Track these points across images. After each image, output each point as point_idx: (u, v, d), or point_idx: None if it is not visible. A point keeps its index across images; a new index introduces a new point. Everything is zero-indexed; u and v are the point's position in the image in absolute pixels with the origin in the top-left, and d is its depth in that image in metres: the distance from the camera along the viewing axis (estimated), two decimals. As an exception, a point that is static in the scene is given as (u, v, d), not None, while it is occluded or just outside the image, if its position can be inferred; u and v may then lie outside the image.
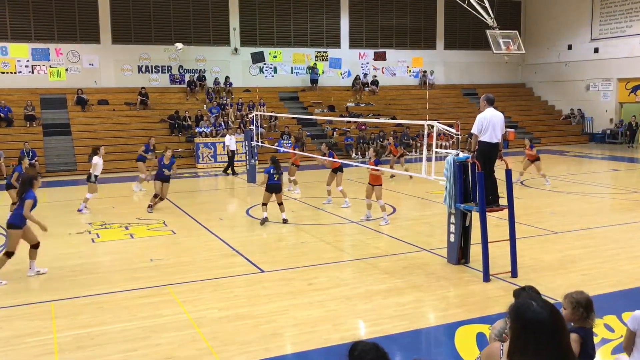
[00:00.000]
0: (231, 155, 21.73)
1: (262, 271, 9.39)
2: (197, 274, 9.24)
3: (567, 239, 11.16)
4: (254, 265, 9.73)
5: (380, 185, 12.74)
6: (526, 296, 4.35)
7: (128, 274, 9.41)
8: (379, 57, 32.25)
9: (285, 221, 12.87)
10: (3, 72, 25.44)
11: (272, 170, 12.90)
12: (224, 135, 24.48)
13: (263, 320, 7.27)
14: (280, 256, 10.31)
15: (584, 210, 13.96)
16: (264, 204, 12.92)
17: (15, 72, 25.65)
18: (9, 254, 9.10)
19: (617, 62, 29.96)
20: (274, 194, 12.90)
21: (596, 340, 6.50)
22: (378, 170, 12.59)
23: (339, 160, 14.98)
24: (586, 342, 4.14)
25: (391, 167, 18.80)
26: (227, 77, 28.57)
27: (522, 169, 17.64)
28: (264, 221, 12.82)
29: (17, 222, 9.13)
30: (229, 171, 21.74)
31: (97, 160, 14.89)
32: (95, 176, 14.90)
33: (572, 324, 4.21)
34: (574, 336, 4.13)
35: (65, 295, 8.36)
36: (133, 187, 17.97)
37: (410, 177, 17.54)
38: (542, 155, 17.59)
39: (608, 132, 30.57)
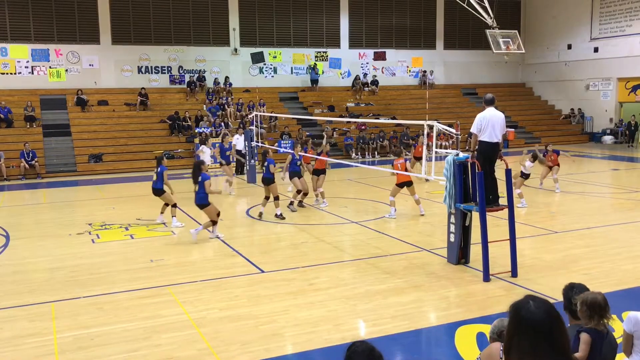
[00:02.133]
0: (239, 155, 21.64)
1: (263, 271, 9.39)
2: (198, 275, 9.24)
3: (567, 239, 11.15)
4: (254, 265, 9.73)
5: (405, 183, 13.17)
6: (572, 292, 4.34)
7: (128, 274, 9.41)
8: (379, 57, 32.26)
9: (277, 216, 13.33)
10: (3, 73, 25.44)
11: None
12: (226, 135, 24.38)
13: (263, 320, 7.27)
14: (280, 256, 10.31)
15: (584, 210, 13.96)
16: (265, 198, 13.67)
17: (15, 73, 25.66)
18: (215, 223, 11.52)
19: (617, 62, 29.96)
20: (266, 187, 13.49)
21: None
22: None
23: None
24: (595, 344, 4.08)
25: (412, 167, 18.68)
26: (227, 78, 28.58)
27: (540, 178, 16.72)
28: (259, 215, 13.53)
29: (205, 201, 11.31)
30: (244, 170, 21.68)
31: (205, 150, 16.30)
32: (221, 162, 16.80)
33: (585, 324, 4.17)
34: (584, 336, 4.09)
35: (66, 296, 8.36)
36: (223, 188, 17.01)
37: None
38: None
39: (608, 131, 30.55)
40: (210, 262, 10.09)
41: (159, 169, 12.95)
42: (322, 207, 14.56)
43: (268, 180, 13.39)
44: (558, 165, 16.46)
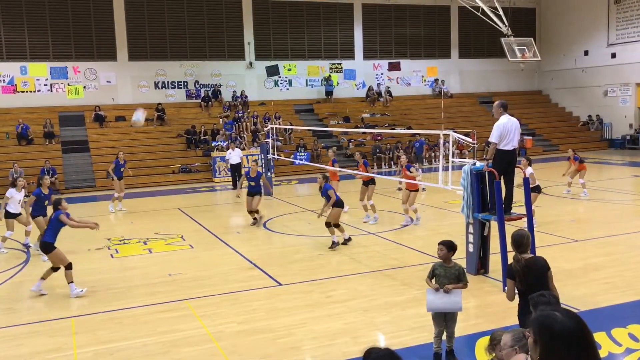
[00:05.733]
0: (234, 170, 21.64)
1: (280, 284, 9.37)
2: (215, 288, 9.25)
3: (588, 247, 11.00)
4: (272, 278, 9.72)
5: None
6: (543, 303, 4.23)
7: (147, 289, 9.45)
8: (394, 67, 32.18)
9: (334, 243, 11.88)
10: (23, 91, 25.87)
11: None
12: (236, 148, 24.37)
13: (281, 333, 7.25)
14: (297, 269, 10.29)
15: (605, 218, 13.76)
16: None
17: (34, 91, 26.07)
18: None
19: (635, 67, 29.61)
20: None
21: (621, 350, 6.39)
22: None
23: (371, 174, 14.82)
24: None
25: None
26: (242, 91, 28.76)
27: (569, 179, 16.87)
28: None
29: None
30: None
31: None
32: None
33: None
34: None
35: (85, 311, 8.41)
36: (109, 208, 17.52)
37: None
38: (562, 163, 17.28)
39: (628, 137, 30.19)
40: (227, 275, 10.10)
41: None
42: (372, 223, 13.86)
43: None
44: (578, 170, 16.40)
